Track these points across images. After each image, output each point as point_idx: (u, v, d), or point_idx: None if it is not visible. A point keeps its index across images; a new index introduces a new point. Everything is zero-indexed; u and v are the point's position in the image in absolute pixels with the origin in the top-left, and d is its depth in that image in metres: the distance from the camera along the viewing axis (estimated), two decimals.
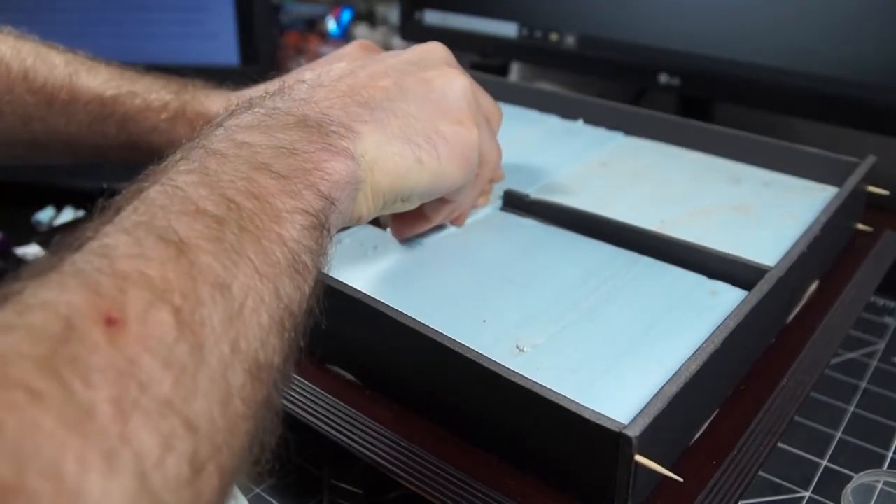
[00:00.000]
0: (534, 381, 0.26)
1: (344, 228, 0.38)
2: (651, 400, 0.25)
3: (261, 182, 0.23)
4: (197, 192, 0.21)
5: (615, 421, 0.24)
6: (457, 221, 0.39)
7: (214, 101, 0.41)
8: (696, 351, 0.27)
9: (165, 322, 0.18)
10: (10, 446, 0.14)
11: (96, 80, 0.40)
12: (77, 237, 0.20)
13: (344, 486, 0.35)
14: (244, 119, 0.26)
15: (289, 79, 0.32)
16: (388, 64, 0.31)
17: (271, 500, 0.35)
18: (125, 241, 0.19)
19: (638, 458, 0.24)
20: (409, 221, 0.37)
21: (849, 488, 0.34)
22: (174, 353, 0.17)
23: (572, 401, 0.25)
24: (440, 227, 0.40)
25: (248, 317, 0.20)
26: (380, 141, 0.28)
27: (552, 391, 0.25)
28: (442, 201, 0.35)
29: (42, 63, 0.39)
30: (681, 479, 0.25)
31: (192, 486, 0.16)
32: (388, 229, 0.39)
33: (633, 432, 0.23)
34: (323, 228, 0.24)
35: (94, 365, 0.16)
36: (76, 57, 0.41)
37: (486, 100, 0.37)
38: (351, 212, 0.28)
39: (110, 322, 0.17)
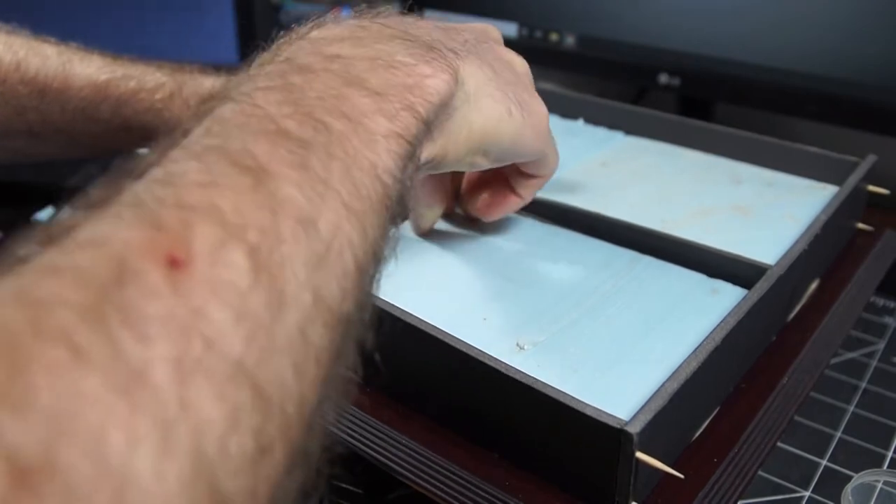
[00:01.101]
0: (535, 379, 0.26)
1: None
2: (652, 397, 0.25)
3: (353, 100, 0.20)
4: (279, 111, 0.18)
5: (616, 417, 0.24)
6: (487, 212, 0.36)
7: (213, 82, 0.41)
8: (697, 348, 0.27)
9: (239, 264, 0.15)
10: (44, 416, 0.11)
11: (89, 67, 0.40)
12: (138, 163, 0.17)
13: (344, 485, 0.35)
14: (334, 31, 0.23)
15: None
16: (458, 27, 0.29)
17: None
18: (194, 168, 0.16)
19: (639, 454, 0.24)
20: (500, 202, 0.35)
21: (849, 488, 0.33)
22: (248, 303, 0.14)
23: (573, 398, 0.25)
24: (441, 227, 0.40)
25: (334, 261, 0.17)
26: (480, 77, 0.26)
27: (554, 388, 0.25)
28: (530, 177, 0.34)
29: (34, 54, 0.39)
30: (682, 476, 0.25)
31: (256, 469, 0.14)
32: (469, 216, 0.37)
33: (634, 429, 0.23)
34: (415, 158, 0.21)
35: (150, 315, 0.13)
36: (69, 48, 0.41)
37: None
38: (435, 148, 0.24)
39: (173, 263, 0.14)
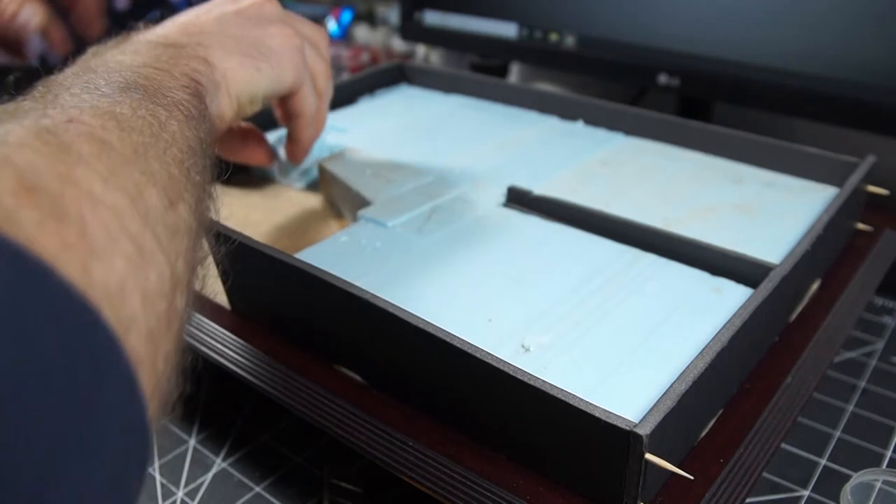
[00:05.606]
0: (544, 381, 0.26)
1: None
2: (661, 398, 0.25)
3: (152, 73, 0.27)
4: (110, 79, 0.24)
5: (626, 419, 0.24)
6: (294, 157, 0.44)
7: None
8: (704, 349, 0.27)
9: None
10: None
11: None
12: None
13: (344, 484, 0.35)
14: (109, 46, 0.30)
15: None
16: (211, 4, 0.37)
17: (272, 498, 0.35)
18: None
19: (648, 456, 0.24)
20: (293, 147, 0.43)
21: (848, 487, 0.34)
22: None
23: (583, 399, 0.25)
24: (441, 226, 0.40)
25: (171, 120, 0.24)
26: (222, 56, 0.34)
27: (562, 390, 0.25)
28: (297, 118, 0.41)
29: None
30: (691, 477, 0.25)
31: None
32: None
33: (644, 431, 0.23)
34: (202, 99, 0.29)
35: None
36: None
37: (304, 25, 0.41)
38: (217, 108, 0.32)
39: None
